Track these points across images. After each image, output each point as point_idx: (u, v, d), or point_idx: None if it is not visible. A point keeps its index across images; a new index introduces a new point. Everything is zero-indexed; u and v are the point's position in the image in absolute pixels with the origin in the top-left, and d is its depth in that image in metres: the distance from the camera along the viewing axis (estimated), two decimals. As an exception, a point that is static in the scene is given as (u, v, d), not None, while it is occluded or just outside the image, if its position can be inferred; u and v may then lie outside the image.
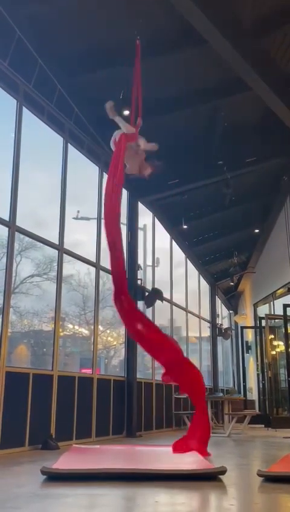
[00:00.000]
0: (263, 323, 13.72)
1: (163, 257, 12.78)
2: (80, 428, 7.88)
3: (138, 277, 10.22)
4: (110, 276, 9.89)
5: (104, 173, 9.61)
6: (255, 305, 17.03)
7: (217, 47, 7.51)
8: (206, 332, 16.51)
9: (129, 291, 6.33)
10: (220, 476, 4.20)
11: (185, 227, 12.56)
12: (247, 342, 17.19)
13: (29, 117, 7.58)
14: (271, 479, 4.14)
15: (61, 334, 9.48)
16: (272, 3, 7.42)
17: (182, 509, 3.31)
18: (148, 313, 11.30)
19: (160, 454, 5.91)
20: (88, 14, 7.11)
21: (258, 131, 10.21)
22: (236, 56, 7.65)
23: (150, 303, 10.64)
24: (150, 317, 11.42)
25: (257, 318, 15.78)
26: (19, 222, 6.96)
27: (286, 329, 11.45)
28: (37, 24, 7.15)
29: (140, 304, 10.50)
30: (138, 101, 6.27)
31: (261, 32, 7.80)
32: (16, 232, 6.95)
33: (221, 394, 13.48)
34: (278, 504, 3.54)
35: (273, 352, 13.48)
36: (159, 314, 11.92)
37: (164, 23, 7.36)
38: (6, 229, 6.81)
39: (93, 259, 9.06)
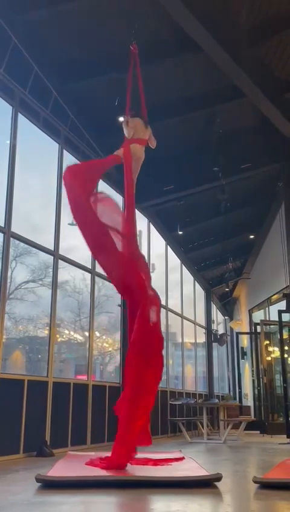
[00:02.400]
0: (258, 329, 13.73)
1: (158, 263, 12.80)
2: (75, 435, 7.85)
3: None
4: (105, 282, 9.94)
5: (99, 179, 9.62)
6: (251, 311, 17.04)
7: (213, 54, 7.57)
8: (202, 338, 16.50)
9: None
10: (216, 483, 4.19)
11: (180, 233, 12.58)
12: (242, 348, 17.19)
13: (24, 123, 7.59)
14: (267, 485, 4.13)
15: (59, 340, 9.45)
16: (267, 11, 7.49)
17: (177, 516, 3.30)
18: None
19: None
20: (83, 21, 7.15)
21: (253, 137, 10.27)
22: (231, 63, 7.72)
23: (145, 309, 10.61)
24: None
25: (252, 324, 15.78)
26: (14, 228, 6.95)
27: (281, 335, 11.45)
28: (33, 31, 7.18)
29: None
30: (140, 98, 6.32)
31: (256, 39, 7.86)
32: (11, 238, 6.95)
33: (216, 400, 13.46)
34: (274, 511, 3.53)
35: (269, 358, 13.49)
36: (155, 320, 11.88)
37: (160, 30, 7.41)
38: (2, 234, 6.80)
39: (88, 265, 9.05)
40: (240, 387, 16.44)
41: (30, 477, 4.39)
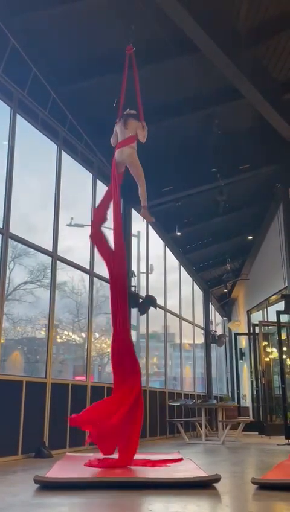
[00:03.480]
0: (257, 330, 13.73)
1: (157, 264, 12.79)
2: (73, 436, 7.83)
3: (132, 284, 10.21)
4: (103, 283, 9.92)
5: (97, 180, 9.64)
6: (249, 312, 17.05)
7: (211, 56, 7.58)
8: (200, 339, 16.50)
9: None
10: (214, 484, 4.18)
11: (178, 234, 12.58)
12: (241, 349, 17.19)
13: (23, 124, 7.59)
14: (265, 486, 4.13)
15: (59, 341, 9.45)
16: (266, 12, 7.50)
17: (176, 517, 3.30)
18: (142, 319, 11.30)
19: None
20: (82, 22, 7.16)
21: (251, 138, 10.28)
22: (229, 64, 7.73)
23: (143, 310, 10.63)
24: (144, 324, 11.44)
25: (250, 325, 15.79)
26: (13, 229, 6.95)
27: (280, 336, 11.46)
28: (31, 32, 7.18)
29: (133, 311, 10.49)
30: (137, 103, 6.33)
31: (254, 41, 7.88)
32: (10, 239, 6.94)
33: (215, 401, 13.45)
34: (272, 512, 3.53)
35: (267, 359, 13.48)
36: (153, 321, 11.91)
37: (158, 32, 7.41)
38: (0, 235, 6.80)
39: (86, 266, 9.05)
40: (238, 388, 16.45)
41: (28, 479, 4.38)
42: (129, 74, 6.37)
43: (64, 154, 8.58)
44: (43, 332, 8.35)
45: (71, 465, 5.56)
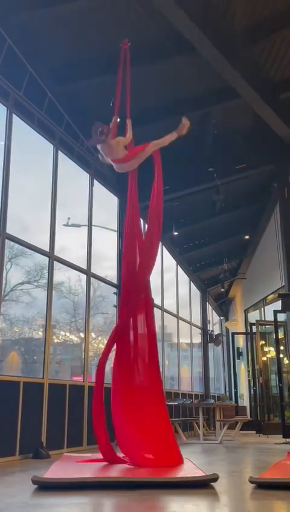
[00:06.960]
0: (254, 329, 13.75)
1: (154, 263, 12.76)
2: (71, 436, 7.84)
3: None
4: (100, 283, 9.91)
5: (94, 180, 9.63)
6: (246, 311, 17.06)
7: (207, 55, 7.58)
8: (198, 338, 16.51)
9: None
10: (212, 483, 4.19)
11: (175, 233, 12.59)
12: (238, 348, 17.20)
13: (19, 124, 7.58)
14: (263, 485, 4.13)
15: (56, 341, 9.43)
16: (262, 12, 7.52)
17: (174, 517, 3.29)
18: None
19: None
20: (79, 22, 7.15)
21: (248, 138, 10.29)
22: (226, 64, 7.74)
23: (141, 310, 10.60)
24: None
25: (247, 324, 15.81)
26: (9, 229, 6.94)
27: (277, 335, 11.47)
28: (27, 32, 7.18)
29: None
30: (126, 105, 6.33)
31: (250, 41, 7.89)
32: (6, 239, 6.93)
33: (212, 401, 13.46)
34: (270, 511, 3.54)
35: (264, 358, 13.50)
36: (150, 321, 11.88)
37: (154, 32, 7.41)
38: (-3, 236, 6.78)
39: (84, 266, 9.04)
40: (236, 388, 16.45)
41: (26, 479, 4.38)
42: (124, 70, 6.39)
43: (60, 154, 8.57)
44: (40, 333, 8.34)
45: (69, 466, 5.55)
